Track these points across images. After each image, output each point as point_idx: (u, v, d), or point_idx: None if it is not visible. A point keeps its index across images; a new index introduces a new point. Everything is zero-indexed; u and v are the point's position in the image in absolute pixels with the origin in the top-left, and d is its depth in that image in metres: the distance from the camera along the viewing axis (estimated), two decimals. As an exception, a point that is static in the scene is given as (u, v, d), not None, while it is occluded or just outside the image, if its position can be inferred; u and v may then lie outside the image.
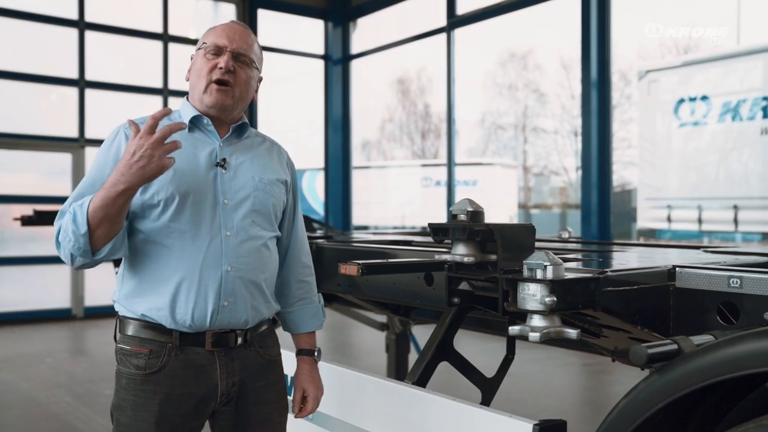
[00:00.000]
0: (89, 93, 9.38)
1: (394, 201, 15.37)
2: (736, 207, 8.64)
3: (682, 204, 9.35)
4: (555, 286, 1.68)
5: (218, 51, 1.90)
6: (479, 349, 4.99)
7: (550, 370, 6.26)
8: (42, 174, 9.52)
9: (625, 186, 12.63)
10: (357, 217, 12.60)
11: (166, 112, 1.75)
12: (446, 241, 2.10)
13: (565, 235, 3.92)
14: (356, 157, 13.67)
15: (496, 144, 17.92)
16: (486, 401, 2.36)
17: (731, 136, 8.65)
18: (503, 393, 5.15)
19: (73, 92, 9.32)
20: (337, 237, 4.14)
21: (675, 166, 9.47)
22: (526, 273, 1.73)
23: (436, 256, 2.05)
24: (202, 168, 1.88)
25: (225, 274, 1.84)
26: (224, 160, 1.92)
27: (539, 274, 1.71)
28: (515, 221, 15.75)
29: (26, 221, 5.39)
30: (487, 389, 2.38)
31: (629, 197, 11.96)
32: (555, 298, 1.67)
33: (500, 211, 14.90)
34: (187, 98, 1.98)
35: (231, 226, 1.87)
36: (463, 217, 2.01)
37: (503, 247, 1.90)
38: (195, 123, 1.93)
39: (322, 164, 11.64)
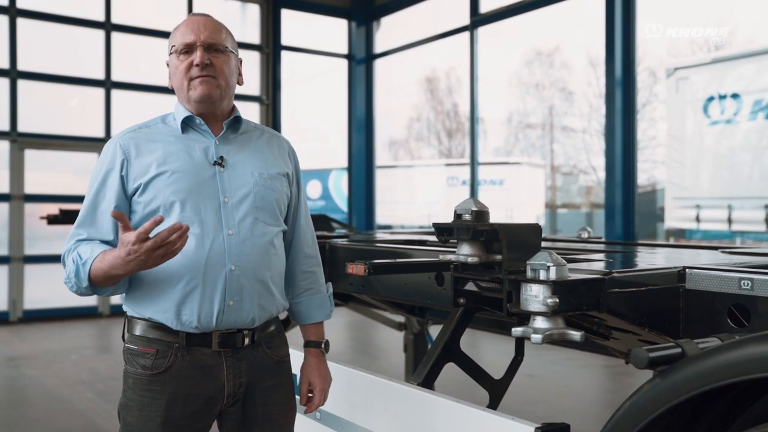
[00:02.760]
0: (115, 93, 9.50)
1: (420, 200, 15.37)
2: (767, 207, 8.47)
3: (711, 203, 9.19)
4: (557, 287, 1.65)
5: (189, 48, 1.87)
6: (496, 349, 4.95)
7: (572, 372, 6.18)
8: (70, 173, 9.67)
9: (656, 185, 12.48)
10: (384, 217, 12.59)
11: (158, 221, 1.64)
12: (452, 240, 2.08)
13: (585, 235, 3.87)
14: (384, 157, 13.65)
15: (524, 143, 17.83)
16: (493, 403, 2.33)
17: (765, 134, 8.49)
18: (523, 394, 5.12)
19: (99, 93, 9.44)
20: (353, 236, 4.14)
21: (704, 165, 9.31)
22: (529, 274, 1.71)
23: (441, 256, 2.03)
24: (199, 168, 1.86)
25: (229, 274, 1.82)
26: (221, 158, 1.89)
27: (542, 275, 1.68)
28: (542, 221, 15.67)
29: (52, 220, 5.48)
30: (494, 391, 2.35)
31: (655, 197, 11.80)
32: (557, 300, 1.64)
33: (527, 211, 14.82)
34: (178, 98, 1.96)
35: (233, 224, 1.85)
36: (467, 216, 1.99)
37: (508, 247, 1.88)
38: (188, 123, 1.92)
39: (346, 164, 11.66)
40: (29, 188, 9.04)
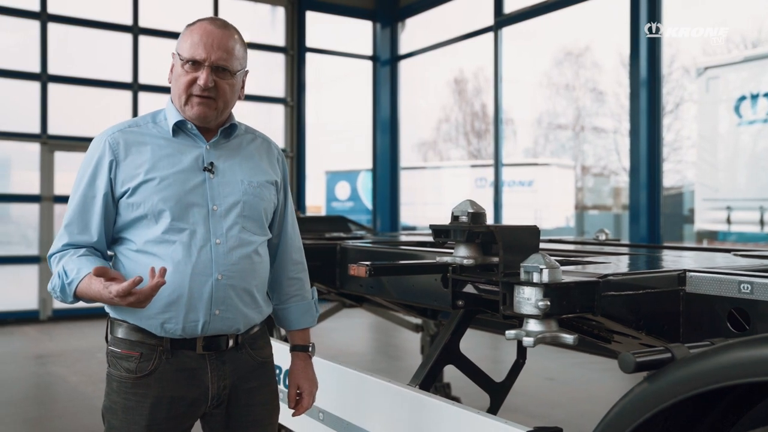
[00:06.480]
0: (142, 96, 9.63)
1: (447, 201, 15.31)
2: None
3: (742, 205, 9.02)
4: (549, 289, 1.64)
5: (196, 64, 1.81)
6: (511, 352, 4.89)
7: (594, 375, 6.10)
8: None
9: (684, 187, 12.27)
10: (413, 218, 12.56)
11: (137, 281, 1.60)
12: (450, 243, 2.07)
13: (602, 236, 3.82)
14: (413, 158, 13.61)
15: (554, 144, 17.66)
16: (494, 406, 2.31)
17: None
18: (542, 398, 5.07)
19: (127, 95, 9.58)
20: (367, 238, 4.13)
21: (735, 166, 9.13)
22: (522, 276, 1.70)
23: (437, 258, 2.03)
24: (188, 175, 1.83)
25: (216, 283, 1.81)
26: (212, 164, 1.87)
27: (535, 278, 1.67)
28: (571, 222, 15.51)
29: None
30: (495, 394, 2.33)
31: (682, 198, 11.60)
32: (548, 302, 1.62)
33: (557, 212, 14.69)
34: (171, 99, 1.90)
35: (221, 233, 1.83)
36: (464, 218, 1.98)
37: (505, 249, 1.86)
38: (180, 127, 1.88)
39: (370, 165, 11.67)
40: (59, 189, 9.19)
